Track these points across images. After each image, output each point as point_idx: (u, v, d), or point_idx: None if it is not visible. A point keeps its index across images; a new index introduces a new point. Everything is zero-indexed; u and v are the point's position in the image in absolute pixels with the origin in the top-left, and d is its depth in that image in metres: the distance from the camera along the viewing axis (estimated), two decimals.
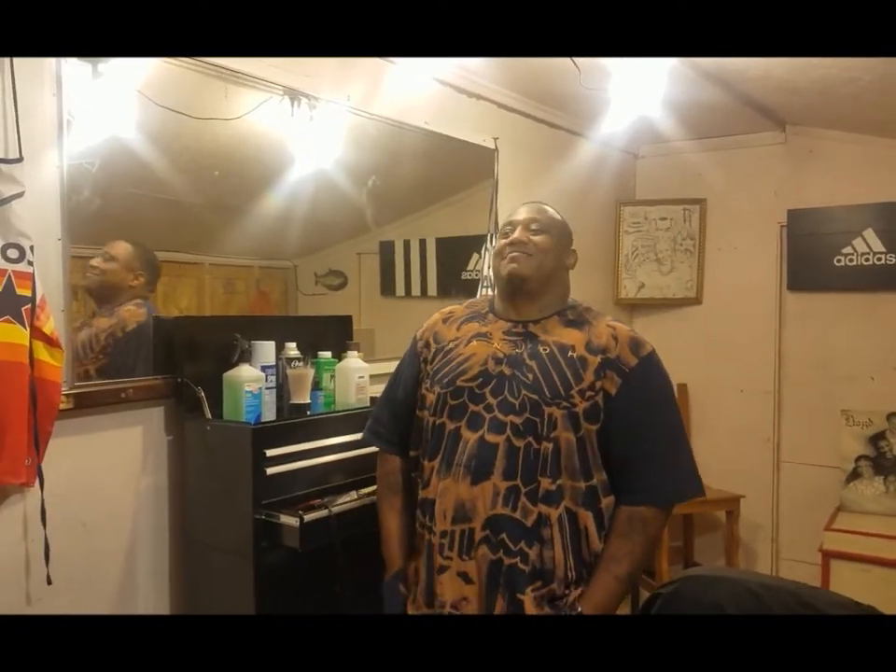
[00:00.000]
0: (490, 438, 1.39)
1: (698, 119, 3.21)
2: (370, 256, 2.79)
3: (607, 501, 1.41)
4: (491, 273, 2.81)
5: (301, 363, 1.92)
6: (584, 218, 3.40)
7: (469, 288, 2.91)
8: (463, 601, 1.38)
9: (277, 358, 1.90)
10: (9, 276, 1.45)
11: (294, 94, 2.11)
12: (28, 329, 1.48)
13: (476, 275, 2.92)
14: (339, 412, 1.95)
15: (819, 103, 2.98)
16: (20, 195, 1.47)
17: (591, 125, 3.31)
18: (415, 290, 2.91)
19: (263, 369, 1.82)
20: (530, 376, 1.40)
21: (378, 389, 2.07)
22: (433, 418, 1.47)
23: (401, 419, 1.58)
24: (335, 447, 1.81)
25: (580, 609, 1.36)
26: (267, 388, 1.83)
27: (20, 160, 1.49)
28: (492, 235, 2.87)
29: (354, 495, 1.77)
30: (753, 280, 3.62)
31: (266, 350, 1.86)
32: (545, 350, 1.44)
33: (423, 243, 2.91)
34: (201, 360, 1.82)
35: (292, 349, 1.94)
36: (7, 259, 1.46)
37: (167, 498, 1.84)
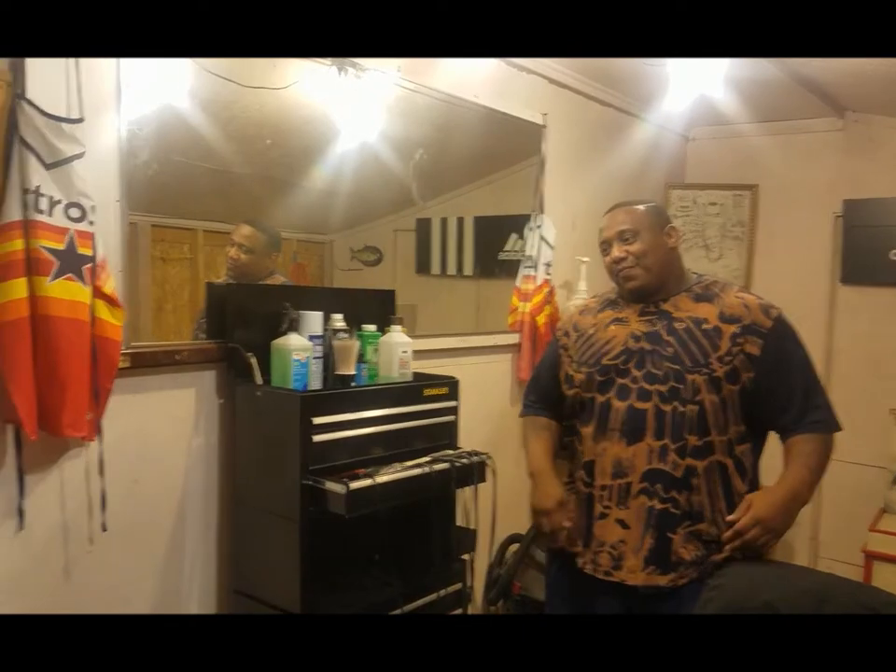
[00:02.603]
0: (639, 405, 1.61)
1: (757, 100, 3.12)
2: (406, 233, 2.79)
3: (742, 448, 1.62)
4: (531, 252, 2.82)
5: (347, 335, 1.93)
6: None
7: (508, 269, 2.89)
8: (620, 543, 1.61)
9: (324, 329, 1.92)
10: (71, 235, 1.49)
11: (342, 64, 2.10)
12: (89, 287, 1.51)
13: (514, 256, 2.90)
14: (382, 384, 1.96)
15: (882, 90, 2.88)
16: (80, 155, 1.50)
17: (643, 104, 3.26)
18: (451, 269, 2.91)
19: (311, 338, 1.85)
20: (670, 350, 1.61)
21: (422, 365, 2.11)
22: (585, 393, 1.69)
23: (548, 395, 1.85)
24: (378, 419, 1.83)
25: (727, 549, 1.55)
26: (314, 358, 1.85)
27: (80, 120, 1.52)
28: (536, 214, 2.85)
29: (398, 466, 1.79)
30: (805, 271, 3.54)
31: (314, 320, 1.88)
32: (681, 325, 1.64)
33: (460, 221, 2.90)
34: (251, 327, 1.85)
35: (339, 320, 1.95)
36: (70, 219, 1.49)
37: (217, 459, 1.89)
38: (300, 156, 2.30)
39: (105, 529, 1.64)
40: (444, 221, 2.89)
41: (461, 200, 2.91)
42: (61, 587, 1.62)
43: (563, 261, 2.98)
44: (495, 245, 2.95)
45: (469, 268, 2.92)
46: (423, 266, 2.88)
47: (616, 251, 1.68)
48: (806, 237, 3.54)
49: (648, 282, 1.66)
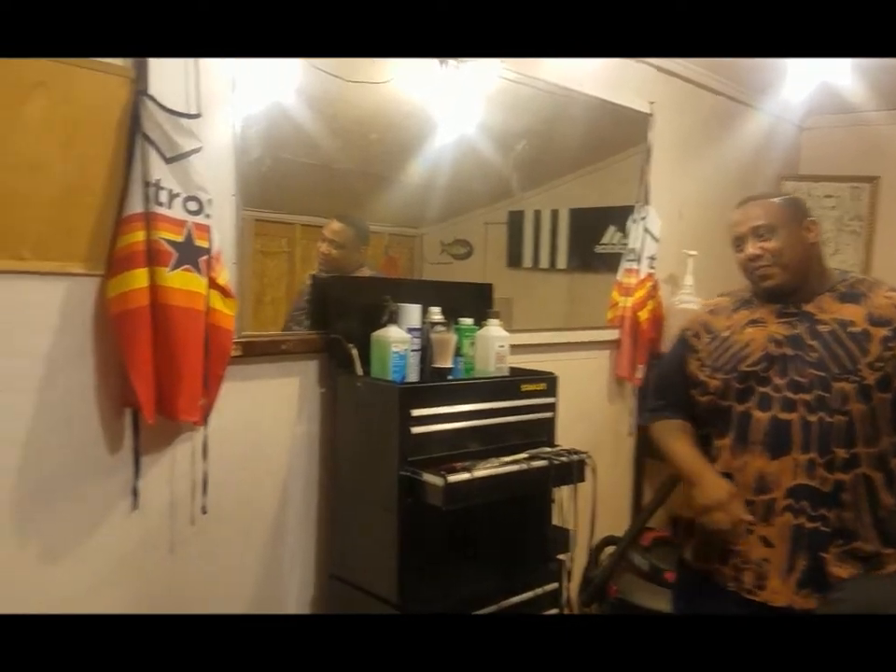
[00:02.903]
0: (783, 416, 1.49)
1: (885, 87, 2.92)
2: (497, 226, 2.76)
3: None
4: (635, 244, 2.72)
5: (445, 328, 1.93)
6: (741, 192, 3.18)
7: (604, 262, 2.82)
8: (764, 561, 1.50)
9: (422, 322, 1.92)
10: (189, 228, 1.55)
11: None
12: (205, 278, 1.57)
13: (612, 249, 2.82)
14: (479, 378, 1.95)
15: None
16: (198, 150, 1.56)
17: (757, 92, 3.10)
18: (544, 262, 2.85)
19: (409, 331, 1.85)
20: (814, 355, 1.49)
21: (516, 360, 2.08)
22: (721, 402, 1.57)
23: (677, 398, 1.70)
24: (475, 413, 1.82)
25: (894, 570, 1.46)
26: (412, 350, 1.86)
27: (198, 115, 1.57)
28: (641, 205, 2.76)
29: (495, 462, 1.77)
30: None
31: (413, 313, 1.89)
32: (825, 328, 1.51)
33: (555, 213, 2.84)
34: (352, 319, 1.88)
35: (437, 314, 1.95)
36: (188, 212, 1.55)
37: (318, 447, 1.93)
38: (398, 150, 2.31)
39: (205, 512, 1.71)
40: (538, 213, 2.84)
41: (559, 191, 2.85)
42: (167, 565, 1.69)
43: (668, 255, 2.89)
44: (591, 238, 2.88)
45: (562, 261, 2.86)
46: (514, 259, 2.84)
47: (751, 248, 1.55)
48: None
49: (786, 281, 1.54)
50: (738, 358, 1.56)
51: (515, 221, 2.82)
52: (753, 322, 1.59)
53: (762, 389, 1.52)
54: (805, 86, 2.24)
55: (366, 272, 2.21)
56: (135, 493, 1.61)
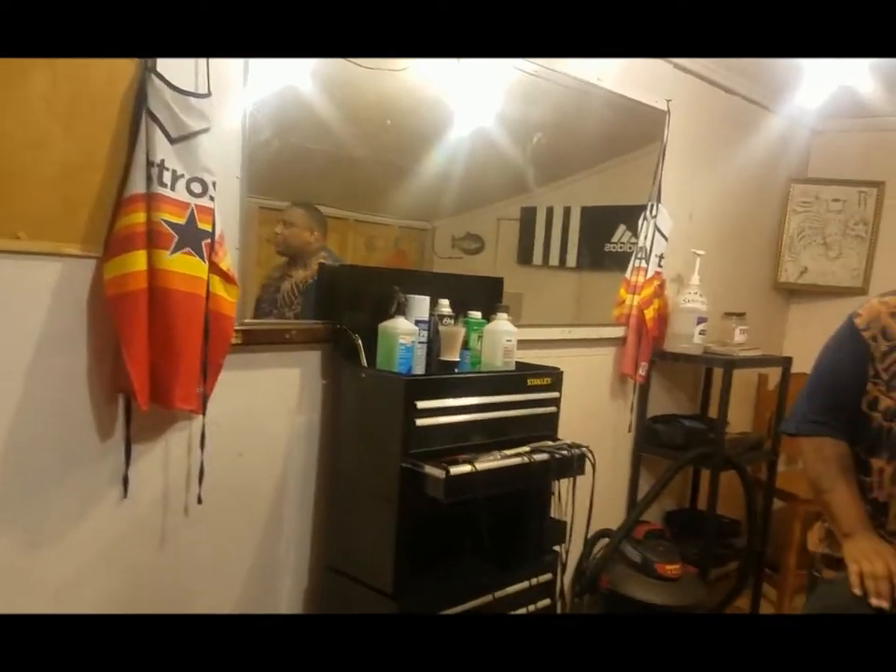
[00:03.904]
0: None
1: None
2: (509, 222, 2.72)
3: None
4: (644, 243, 2.69)
5: (453, 321, 1.90)
6: (751, 193, 3.19)
7: (618, 261, 2.79)
8: None
9: (430, 314, 1.89)
10: (192, 210, 1.50)
11: None
12: (206, 262, 1.53)
13: (621, 248, 2.79)
14: (485, 372, 1.92)
15: None
16: (206, 130, 1.52)
17: (772, 93, 3.07)
18: (553, 260, 2.82)
19: (417, 323, 1.82)
20: None
21: (522, 355, 2.05)
22: (887, 423, 1.41)
23: (844, 410, 1.50)
24: (479, 406, 1.80)
25: None
26: (419, 343, 1.82)
27: (208, 95, 1.53)
28: (653, 204, 2.73)
29: (497, 455, 1.75)
30: None
31: (421, 305, 1.85)
32: None
33: (567, 211, 2.80)
34: (358, 309, 1.85)
35: (445, 306, 1.92)
36: (191, 193, 1.51)
37: (318, 438, 1.90)
38: (413, 140, 2.26)
39: (200, 502, 1.67)
40: (550, 210, 2.80)
41: (573, 187, 2.81)
42: (158, 555, 1.66)
43: (676, 254, 2.86)
44: (601, 237, 2.85)
45: (572, 259, 2.83)
46: (525, 256, 2.81)
47: None
48: None
49: None
50: None
51: (528, 218, 2.78)
52: None
53: None
54: (822, 90, 2.18)
55: (324, 258, 2.08)
56: (125, 481, 1.57)
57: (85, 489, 1.53)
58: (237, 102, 1.63)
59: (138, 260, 1.45)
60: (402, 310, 1.79)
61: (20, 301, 1.42)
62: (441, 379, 1.78)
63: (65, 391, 1.48)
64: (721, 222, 3.09)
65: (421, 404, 1.67)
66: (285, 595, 1.90)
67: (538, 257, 2.81)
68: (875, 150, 3.42)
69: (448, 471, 1.60)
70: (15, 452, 1.43)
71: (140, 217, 1.45)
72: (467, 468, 1.65)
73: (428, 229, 2.49)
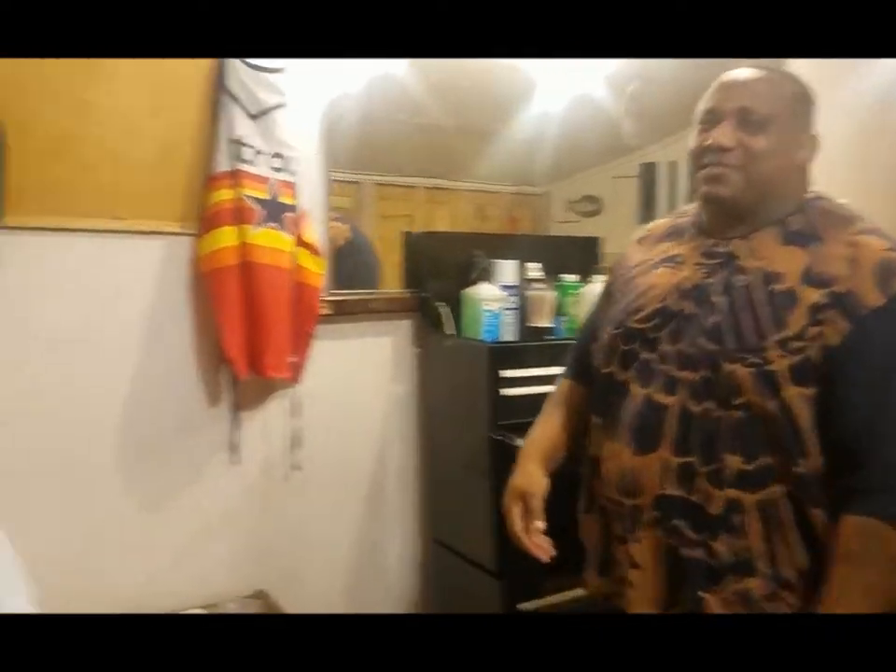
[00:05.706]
0: (658, 397, 1.06)
1: None
2: (627, 180, 2.58)
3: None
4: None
5: (543, 285, 1.84)
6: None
7: None
8: (629, 586, 1.10)
9: (520, 279, 1.84)
10: (274, 184, 1.54)
11: None
12: (291, 236, 1.57)
13: None
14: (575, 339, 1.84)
15: None
16: (282, 105, 1.55)
17: None
18: None
19: (504, 288, 1.78)
20: (713, 319, 1.03)
21: None
22: (603, 366, 1.16)
23: (582, 354, 1.30)
24: None
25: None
26: (507, 308, 1.78)
27: (281, 70, 1.55)
28: None
29: None
30: None
31: (507, 269, 1.81)
32: (742, 281, 1.03)
33: None
34: (444, 276, 1.82)
35: (534, 270, 1.86)
36: (272, 168, 1.55)
37: (415, 408, 1.90)
38: (505, 103, 2.20)
39: (298, 469, 1.72)
40: (673, 165, 2.61)
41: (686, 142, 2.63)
42: (267, 521, 1.73)
43: None
44: None
45: None
46: (647, 216, 2.65)
47: (722, 134, 1.04)
48: None
49: (740, 200, 1.05)
50: (631, 310, 1.13)
51: (647, 174, 2.61)
52: (669, 260, 1.14)
53: (646, 355, 1.09)
54: None
55: (343, 222, 1.89)
56: (234, 447, 1.65)
57: (197, 454, 1.63)
58: (315, 77, 1.65)
59: (228, 236, 1.51)
60: (486, 276, 1.75)
61: (129, 278, 1.52)
62: (528, 346, 1.72)
63: (175, 361, 1.58)
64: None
65: (505, 373, 1.61)
66: (394, 568, 1.92)
67: (662, 216, 2.67)
68: None
69: None
70: (133, 420, 1.55)
71: (226, 193, 1.51)
72: None
73: (542, 193, 2.43)
